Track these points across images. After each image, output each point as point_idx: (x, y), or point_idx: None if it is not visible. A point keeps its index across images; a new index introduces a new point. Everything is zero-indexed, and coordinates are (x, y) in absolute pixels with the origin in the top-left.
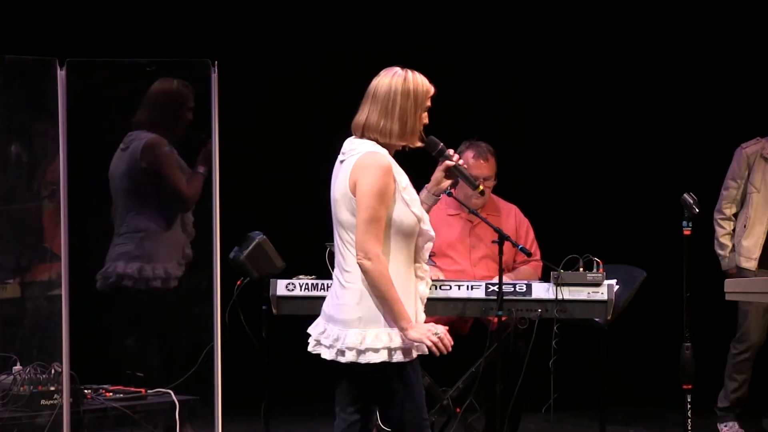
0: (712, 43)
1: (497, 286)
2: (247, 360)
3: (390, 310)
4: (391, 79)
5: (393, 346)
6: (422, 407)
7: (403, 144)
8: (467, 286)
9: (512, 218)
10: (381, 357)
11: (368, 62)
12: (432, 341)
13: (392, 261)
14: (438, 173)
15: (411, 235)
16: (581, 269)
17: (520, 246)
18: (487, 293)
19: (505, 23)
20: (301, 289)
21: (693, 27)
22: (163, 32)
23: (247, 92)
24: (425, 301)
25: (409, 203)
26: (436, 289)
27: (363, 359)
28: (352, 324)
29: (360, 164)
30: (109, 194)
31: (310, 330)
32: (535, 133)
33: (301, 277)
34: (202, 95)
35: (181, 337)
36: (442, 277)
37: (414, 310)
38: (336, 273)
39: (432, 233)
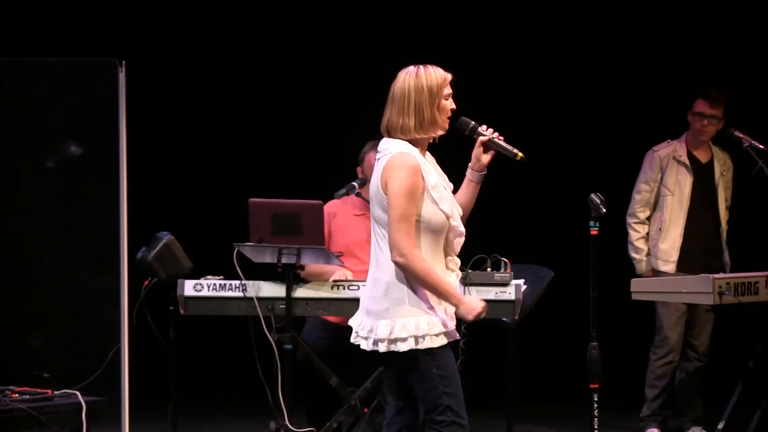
0: (620, 47)
1: None
2: (155, 361)
3: (439, 295)
4: (404, 78)
5: (419, 333)
6: (459, 393)
7: (426, 136)
8: None
9: None
10: (408, 345)
11: (282, 60)
12: (476, 315)
13: (429, 253)
14: (476, 150)
15: (441, 232)
16: (489, 269)
17: None
18: None
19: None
20: (208, 290)
21: (599, 30)
22: (71, 32)
23: (156, 92)
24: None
25: (437, 201)
26: (344, 289)
27: (393, 348)
28: (381, 315)
29: (389, 165)
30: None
31: (350, 322)
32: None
33: (208, 277)
34: (110, 95)
35: (89, 338)
36: (350, 277)
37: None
38: (371, 265)
39: (462, 229)
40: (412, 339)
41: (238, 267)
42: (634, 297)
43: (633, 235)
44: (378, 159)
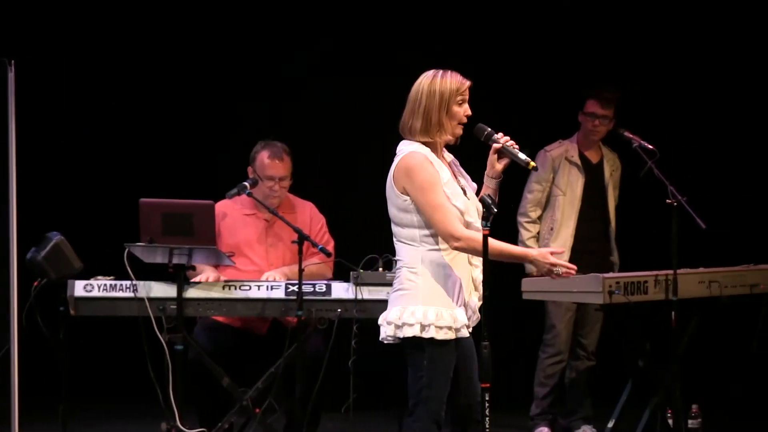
0: (503, 43)
1: (297, 286)
2: (45, 362)
3: (510, 259)
4: (420, 81)
5: (426, 322)
6: (441, 390)
7: (430, 140)
8: (267, 287)
9: (307, 215)
10: (414, 331)
11: (170, 58)
12: (550, 264)
13: (444, 250)
14: (491, 157)
15: None
16: (380, 269)
17: (320, 246)
18: (286, 293)
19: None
20: (99, 290)
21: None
22: None
23: (46, 91)
24: (480, 286)
25: (450, 197)
26: (235, 289)
27: (399, 333)
28: (394, 302)
29: (400, 168)
30: None
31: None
32: (332, 134)
33: (99, 278)
34: None
35: None
36: (211, 279)
37: (468, 292)
38: None
39: (478, 225)
40: (418, 326)
41: (128, 267)
42: (525, 296)
43: (524, 234)
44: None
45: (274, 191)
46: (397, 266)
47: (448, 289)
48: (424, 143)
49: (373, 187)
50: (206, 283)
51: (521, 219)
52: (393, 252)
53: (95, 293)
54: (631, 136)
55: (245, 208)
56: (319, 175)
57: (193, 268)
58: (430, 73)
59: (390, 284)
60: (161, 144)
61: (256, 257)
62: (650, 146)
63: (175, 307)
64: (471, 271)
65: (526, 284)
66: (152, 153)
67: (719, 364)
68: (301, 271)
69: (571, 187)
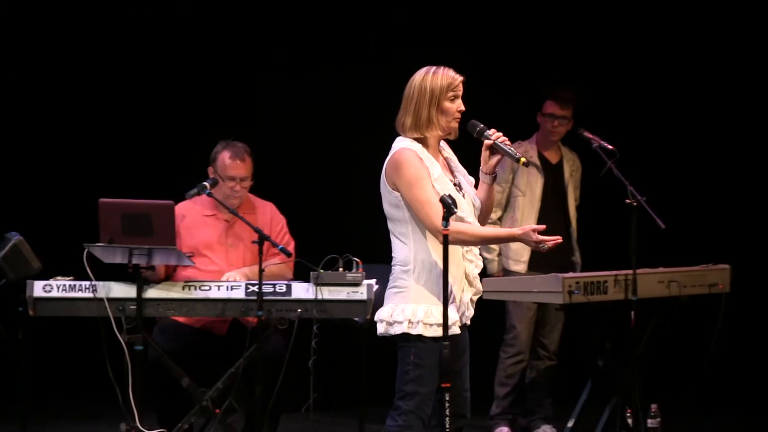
0: (443, 47)
1: (257, 286)
2: (4, 362)
3: (500, 241)
4: (413, 78)
5: (414, 319)
6: (426, 386)
7: (421, 136)
8: (227, 287)
9: (267, 215)
10: (402, 328)
11: (125, 59)
12: (535, 240)
13: (435, 246)
14: (484, 152)
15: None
16: (341, 269)
17: (281, 246)
18: (247, 293)
19: None
20: (58, 291)
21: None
22: None
23: (1, 90)
24: (476, 282)
25: (440, 192)
26: (195, 290)
27: (390, 330)
28: (388, 299)
29: (390, 165)
30: None
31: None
32: (292, 134)
33: (58, 278)
34: None
35: None
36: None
37: (460, 288)
38: None
39: (469, 219)
40: (406, 323)
41: (88, 268)
42: (485, 296)
43: None
44: None
45: (236, 192)
46: (392, 263)
47: (439, 287)
48: (417, 139)
49: (334, 187)
50: (166, 284)
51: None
52: (353, 252)
53: (54, 294)
54: (590, 136)
55: (205, 209)
56: (280, 175)
57: (153, 268)
58: (423, 70)
59: (350, 284)
60: (121, 143)
61: (217, 258)
62: (610, 146)
63: (134, 307)
64: (465, 267)
65: (487, 284)
66: (112, 153)
67: (678, 364)
68: (261, 271)
69: (531, 187)
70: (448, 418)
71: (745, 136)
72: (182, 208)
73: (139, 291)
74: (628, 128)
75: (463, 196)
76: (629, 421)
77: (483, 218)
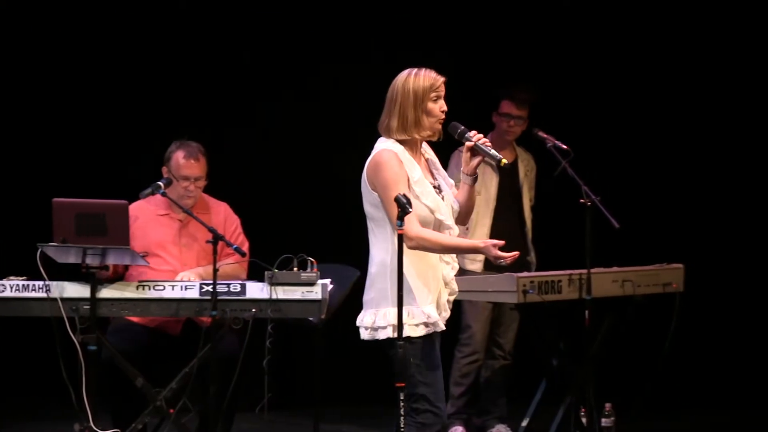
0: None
1: (211, 286)
2: None
3: (463, 251)
4: (396, 81)
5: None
6: (435, 383)
7: (408, 137)
8: (181, 287)
9: (221, 215)
10: (387, 333)
11: (79, 61)
12: (495, 255)
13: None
14: (465, 154)
15: (425, 225)
16: (295, 269)
17: (235, 246)
18: (201, 293)
19: None
20: (11, 291)
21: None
22: None
23: None
24: (452, 284)
25: (419, 195)
26: (149, 289)
27: (375, 336)
28: (368, 305)
29: (370, 165)
30: None
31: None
32: (246, 136)
33: (11, 278)
34: None
35: None
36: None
37: (437, 291)
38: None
39: (448, 222)
40: (391, 328)
41: (41, 268)
42: None
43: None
44: None
45: (190, 191)
46: (369, 264)
47: (417, 288)
48: (402, 141)
49: (288, 187)
50: (120, 284)
51: None
52: (308, 251)
53: (7, 293)
54: (545, 136)
55: (159, 209)
56: (234, 175)
57: (107, 268)
58: (405, 72)
59: (305, 284)
60: (76, 143)
61: (170, 257)
62: (564, 146)
63: (88, 307)
64: (442, 269)
65: None
66: (66, 152)
67: (632, 363)
68: (215, 271)
69: (486, 186)
70: (402, 418)
71: (697, 136)
72: (135, 208)
73: (93, 291)
74: (581, 128)
75: (443, 198)
76: (583, 420)
77: (462, 220)
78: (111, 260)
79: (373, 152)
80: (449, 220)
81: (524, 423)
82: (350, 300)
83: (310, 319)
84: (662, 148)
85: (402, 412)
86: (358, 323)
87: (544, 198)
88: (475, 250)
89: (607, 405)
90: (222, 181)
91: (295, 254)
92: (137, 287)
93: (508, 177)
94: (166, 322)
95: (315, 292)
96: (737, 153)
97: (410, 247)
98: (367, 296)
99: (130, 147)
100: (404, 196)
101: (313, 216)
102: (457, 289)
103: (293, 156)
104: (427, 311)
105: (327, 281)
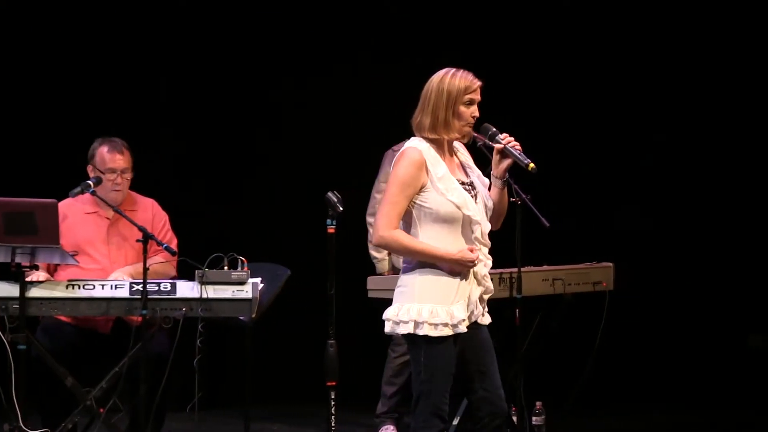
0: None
1: (141, 285)
2: None
3: (430, 259)
4: (432, 79)
5: (420, 319)
6: (442, 385)
7: (437, 137)
8: (111, 285)
9: (149, 212)
10: (408, 328)
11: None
12: (467, 259)
13: (441, 243)
14: (495, 156)
15: (452, 221)
16: (226, 267)
17: (165, 245)
18: (131, 292)
19: None
20: None
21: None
22: None
23: None
24: (485, 281)
25: (444, 192)
26: (79, 288)
27: (396, 330)
28: (395, 298)
29: (397, 158)
30: None
31: None
32: (178, 133)
33: None
34: None
35: None
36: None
37: (468, 288)
38: None
39: (477, 218)
40: (412, 323)
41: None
42: (370, 295)
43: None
44: None
45: (117, 184)
46: (402, 260)
47: (444, 285)
48: (432, 140)
49: (218, 184)
50: (49, 283)
51: (370, 219)
52: (238, 250)
53: None
54: (475, 134)
55: (86, 206)
56: (162, 173)
57: (37, 267)
58: (442, 70)
59: (235, 283)
60: (3, 141)
61: (99, 256)
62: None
63: (17, 306)
64: (477, 268)
65: (374, 283)
66: None
67: (563, 362)
68: (145, 270)
69: None
70: (333, 416)
71: (627, 134)
72: (64, 207)
73: (22, 290)
74: (511, 126)
75: (476, 195)
76: (514, 418)
77: (495, 220)
78: (40, 259)
79: (401, 150)
80: (478, 215)
81: (455, 422)
82: (281, 299)
83: (241, 318)
84: (591, 147)
85: (333, 410)
86: (383, 316)
87: None
88: (447, 260)
89: (538, 403)
90: (150, 179)
91: (226, 253)
92: (67, 286)
93: None
94: (96, 321)
95: (245, 291)
96: (666, 151)
97: (375, 242)
98: (397, 290)
99: (59, 145)
100: (335, 193)
101: (244, 214)
102: (492, 287)
103: (225, 153)
104: (451, 310)
105: (257, 280)
